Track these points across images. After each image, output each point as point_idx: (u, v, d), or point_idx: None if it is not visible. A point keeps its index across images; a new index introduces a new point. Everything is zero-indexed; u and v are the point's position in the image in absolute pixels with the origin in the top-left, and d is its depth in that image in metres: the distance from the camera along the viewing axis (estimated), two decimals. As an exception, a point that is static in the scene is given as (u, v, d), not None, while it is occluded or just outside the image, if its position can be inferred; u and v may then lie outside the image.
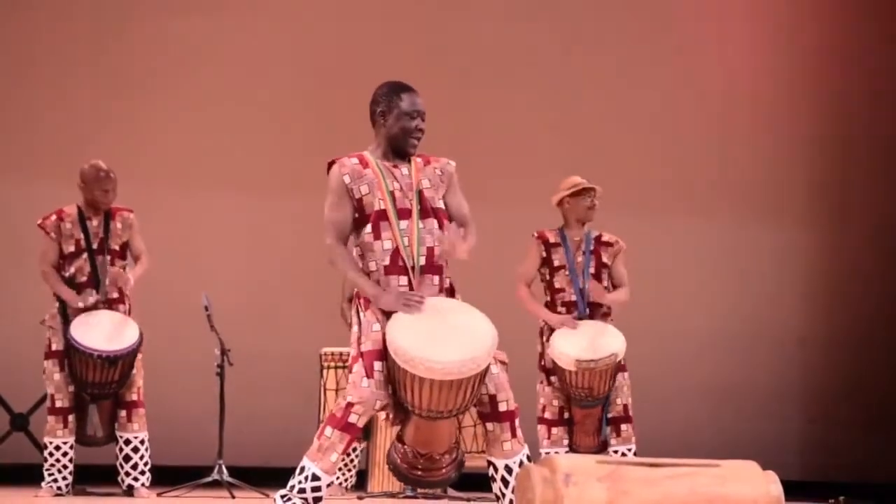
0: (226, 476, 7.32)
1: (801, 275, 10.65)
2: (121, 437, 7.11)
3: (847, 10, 10.81)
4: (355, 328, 4.70)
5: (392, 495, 7.37)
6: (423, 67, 9.02)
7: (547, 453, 6.82)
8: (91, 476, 7.45)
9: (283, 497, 4.59)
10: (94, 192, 7.13)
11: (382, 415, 6.91)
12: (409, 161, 4.82)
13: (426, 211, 4.74)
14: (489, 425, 4.69)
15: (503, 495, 4.68)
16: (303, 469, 4.58)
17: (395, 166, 4.78)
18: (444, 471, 4.79)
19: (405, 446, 4.75)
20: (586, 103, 10.17)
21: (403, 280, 4.68)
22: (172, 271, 8.52)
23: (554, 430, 6.97)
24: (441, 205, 4.80)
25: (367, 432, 7.59)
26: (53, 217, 7.17)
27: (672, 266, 10.05)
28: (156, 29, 9.63)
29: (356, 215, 4.73)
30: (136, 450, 7.10)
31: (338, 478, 7.98)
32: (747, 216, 10.44)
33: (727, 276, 10.39)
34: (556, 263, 7.02)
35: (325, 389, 7.63)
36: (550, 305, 7.02)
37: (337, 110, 9.75)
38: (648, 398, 7.84)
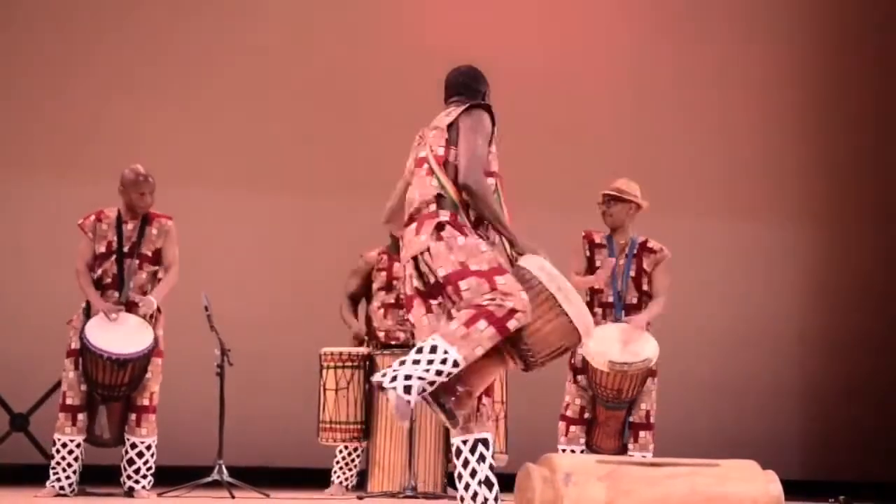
0: (226, 476, 7.31)
1: (802, 274, 10.65)
2: (128, 440, 7.09)
3: (840, 12, 10.82)
4: (462, 240, 4.66)
5: (392, 495, 7.36)
6: (423, 67, 9.01)
7: (563, 450, 6.95)
8: (92, 476, 7.45)
9: (405, 377, 4.43)
10: (131, 196, 7.15)
11: (386, 416, 6.94)
12: None
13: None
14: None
15: None
16: (435, 349, 4.46)
17: None
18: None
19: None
20: (587, 104, 10.18)
21: None
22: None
23: (572, 427, 7.06)
24: None
25: (367, 432, 7.59)
26: (93, 217, 7.19)
27: (673, 266, 10.04)
28: (156, 26, 9.63)
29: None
30: (140, 454, 7.08)
31: (338, 477, 7.98)
32: (747, 216, 10.44)
33: (727, 275, 10.39)
34: (598, 264, 7.10)
35: (324, 389, 7.61)
36: (588, 306, 7.04)
37: (339, 110, 9.77)
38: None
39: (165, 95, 9.55)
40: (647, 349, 6.86)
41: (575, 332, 4.61)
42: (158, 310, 7.14)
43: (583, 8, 10.39)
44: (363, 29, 9.95)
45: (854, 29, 10.85)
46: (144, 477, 7.10)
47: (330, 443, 7.67)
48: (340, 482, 7.96)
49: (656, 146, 10.26)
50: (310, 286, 9.27)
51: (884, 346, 10.57)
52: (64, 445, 7.02)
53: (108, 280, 7.10)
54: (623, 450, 7.04)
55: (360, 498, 7.37)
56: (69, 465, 7.02)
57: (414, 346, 4.62)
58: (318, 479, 8.20)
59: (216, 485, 7.30)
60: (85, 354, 6.96)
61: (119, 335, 6.94)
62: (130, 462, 7.09)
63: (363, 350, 7.71)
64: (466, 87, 5.05)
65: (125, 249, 7.12)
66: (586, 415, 7.06)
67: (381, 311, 7.89)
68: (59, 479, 7.01)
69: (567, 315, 4.58)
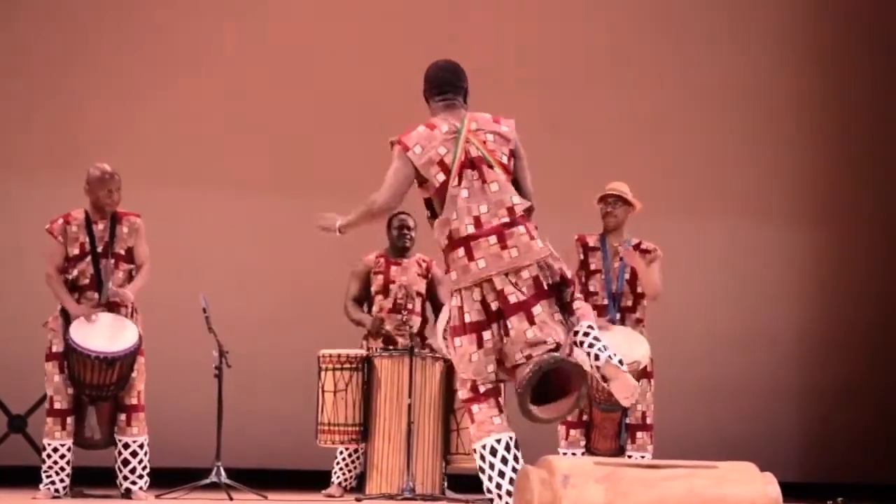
0: (224, 478, 7.31)
1: (799, 275, 10.64)
2: (120, 440, 7.09)
3: (839, 12, 10.82)
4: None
5: (390, 497, 7.36)
6: (423, 68, 8.99)
7: (564, 454, 6.95)
8: (88, 478, 7.44)
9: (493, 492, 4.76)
10: (98, 194, 7.12)
11: (385, 419, 7.06)
12: None
13: None
14: None
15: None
16: (474, 452, 4.88)
17: None
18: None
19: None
20: (587, 104, 10.17)
21: None
22: (170, 272, 8.50)
23: (572, 431, 7.09)
24: None
25: (365, 435, 7.58)
26: (60, 221, 7.16)
27: (670, 267, 9.99)
28: (157, 26, 9.63)
29: None
30: (134, 454, 7.08)
31: (338, 478, 7.96)
32: (744, 216, 10.43)
33: (725, 276, 10.38)
34: (593, 267, 7.13)
35: (323, 391, 7.60)
36: None
37: (339, 111, 9.76)
38: (647, 399, 7.84)
39: (166, 96, 9.55)
40: (637, 351, 6.86)
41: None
42: (136, 310, 7.14)
43: (583, 8, 10.39)
44: (363, 29, 9.95)
45: (854, 29, 10.84)
46: (141, 477, 7.10)
47: (328, 445, 7.66)
48: (340, 482, 7.95)
49: (655, 146, 10.25)
50: (308, 287, 9.26)
51: (882, 346, 10.56)
52: (55, 450, 7.01)
53: (86, 281, 7.08)
54: (620, 451, 7.05)
55: (358, 500, 7.37)
56: (62, 468, 7.02)
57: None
58: (316, 480, 8.19)
59: (214, 487, 7.30)
60: (71, 356, 6.94)
61: (104, 334, 6.94)
62: (125, 462, 7.08)
63: (361, 352, 7.71)
64: (451, 85, 5.16)
65: (99, 249, 7.10)
66: (584, 417, 7.08)
67: (380, 315, 7.88)
68: (52, 483, 7.01)
69: None
